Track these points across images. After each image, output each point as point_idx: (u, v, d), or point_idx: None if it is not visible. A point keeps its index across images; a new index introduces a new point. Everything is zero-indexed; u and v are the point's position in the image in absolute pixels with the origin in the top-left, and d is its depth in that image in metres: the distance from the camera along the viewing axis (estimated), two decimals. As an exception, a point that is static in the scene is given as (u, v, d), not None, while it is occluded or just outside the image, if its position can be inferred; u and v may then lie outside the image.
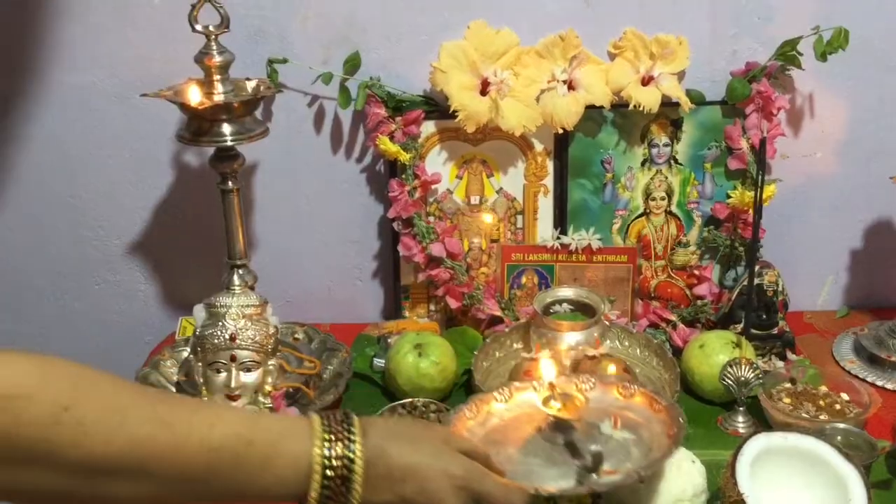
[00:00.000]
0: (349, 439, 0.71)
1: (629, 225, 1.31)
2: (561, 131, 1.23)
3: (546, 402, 0.91)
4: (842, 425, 1.00)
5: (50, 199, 1.33)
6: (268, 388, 1.09)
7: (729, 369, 1.12)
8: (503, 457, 0.88)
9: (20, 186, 1.33)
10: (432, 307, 1.33)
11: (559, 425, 0.90)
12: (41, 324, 1.42)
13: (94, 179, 1.32)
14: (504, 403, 0.98)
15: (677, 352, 1.22)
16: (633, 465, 0.85)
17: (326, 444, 0.70)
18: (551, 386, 0.92)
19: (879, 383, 1.20)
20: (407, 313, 1.33)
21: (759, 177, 1.15)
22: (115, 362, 1.37)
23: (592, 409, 0.93)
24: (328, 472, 0.69)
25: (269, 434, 0.68)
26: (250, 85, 1.11)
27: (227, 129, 1.06)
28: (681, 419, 0.89)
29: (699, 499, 0.95)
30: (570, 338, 1.18)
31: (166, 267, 1.38)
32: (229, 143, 1.06)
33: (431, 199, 1.28)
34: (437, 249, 1.25)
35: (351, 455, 0.70)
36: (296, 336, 1.27)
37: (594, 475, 0.84)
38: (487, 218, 1.30)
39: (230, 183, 1.10)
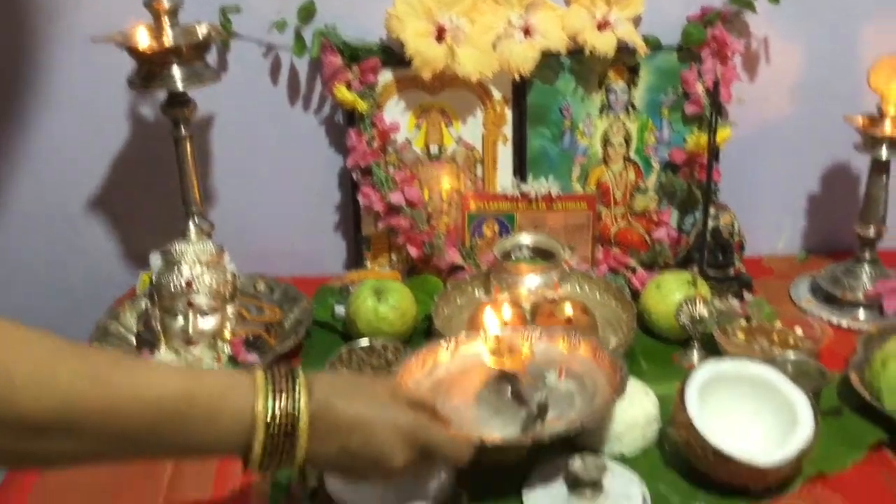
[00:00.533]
0: (293, 394, 0.70)
1: (588, 172, 1.32)
2: (518, 78, 1.24)
3: (492, 354, 0.93)
4: (792, 355, 1.02)
5: (4, 157, 1.32)
6: (227, 334, 1.10)
7: (684, 307, 1.13)
8: (449, 408, 0.89)
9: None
10: (394, 257, 1.34)
11: (505, 377, 0.92)
12: (2, 284, 1.41)
13: (47, 135, 1.31)
14: (450, 355, 1.00)
15: (637, 295, 1.23)
16: (576, 415, 0.88)
17: (270, 399, 0.69)
18: (497, 339, 0.94)
19: (835, 321, 1.22)
20: (369, 264, 1.34)
21: (713, 117, 1.16)
22: (78, 320, 1.37)
23: (538, 361, 0.96)
24: (271, 428, 0.69)
25: (212, 390, 0.68)
26: (201, 30, 1.11)
27: (177, 73, 1.06)
28: (622, 369, 0.92)
29: (651, 427, 0.97)
30: (530, 281, 1.20)
31: (126, 222, 1.37)
32: (180, 88, 1.06)
33: (390, 150, 1.28)
34: (396, 198, 1.25)
35: (295, 411, 0.69)
36: (257, 287, 1.27)
37: (539, 424, 0.87)
38: (445, 182, 1.31)
39: (183, 130, 1.10)
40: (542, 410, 0.88)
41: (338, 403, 0.72)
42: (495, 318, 1.01)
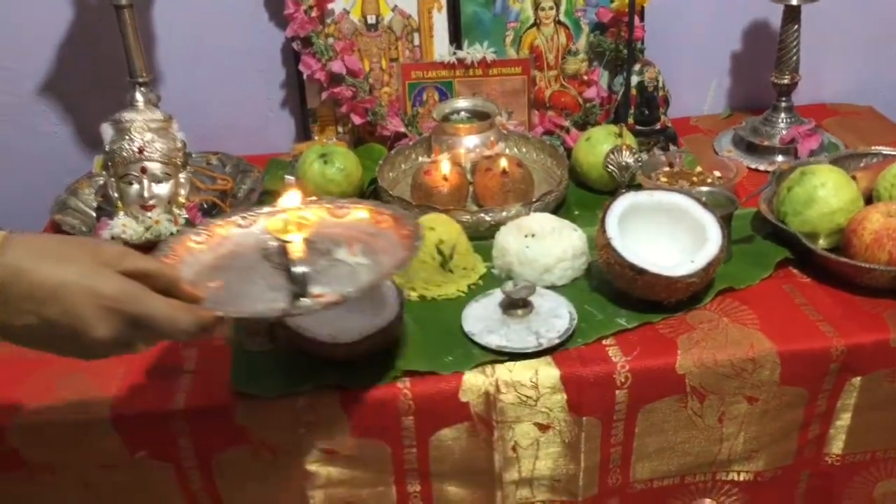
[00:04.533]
0: None
1: (521, 37, 1.37)
2: (448, -56, 1.28)
3: (274, 226, 0.85)
4: (706, 188, 1.10)
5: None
6: (181, 199, 1.16)
7: (611, 156, 1.21)
8: (224, 282, 0.83)
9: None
10: (340, 129, 1.39)
11: (283, 250, 0.84)
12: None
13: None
14: (244, 229, 0.91)
15: (571, 154, 1.31)
16: (353, 290, 0.80)
17: None
18: (283, 210, 0.88)
19: (753, 166, 1.31)
20: (316, 136, 1.39)
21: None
22: (35, 205, 1.42)
23: (337, 234, 0.89)
24: None
25: None
26: None
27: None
28: (417, 243, 0.84)
29: (579, 259, 1.06)
30: (469, 141, 1.26)
31: (77, 106, 1.40)
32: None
33: (329, 21, 1.32)
34: (337, 67, 1.30)
35: None
36: (210, 162, 1.32)
37: (304, 300, 0.80)
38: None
39: (123, -1, 1.13)
40: (301, 284, 0.81)
41: (34, 268, 0.65)
42: (296, 192, 0.92)
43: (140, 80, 1.16)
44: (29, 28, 1.34)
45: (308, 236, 0.84)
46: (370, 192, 1.27)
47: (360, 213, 0.91)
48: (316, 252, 0.85)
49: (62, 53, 1.36)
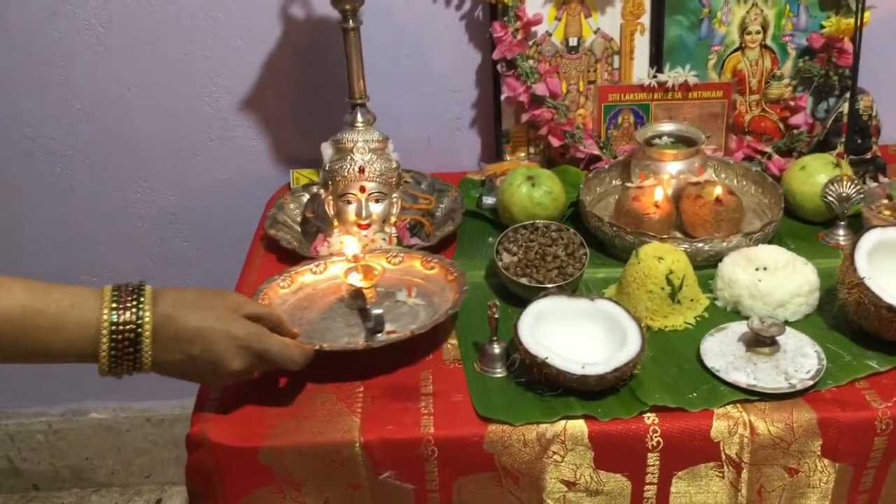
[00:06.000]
0: (138, 307, 0.80)
1: (724, 60, 1.34)
2: (657, -33, 1.25)
3: (348, 273, 1.02)
4: (947, 225, 1.05)
5: (161, 56, 1.38)
6: (393, 218, 1.16)
7: (830, 186, 1.17)
8: (305, 321, 1.01)
9: (134, 46, 1.38)
10: (532, 150, 1.38)
11: (357, 293, 1.02)
12: (155, 180, 1.49)
13: (203, 36, 1.36)
14: (317, 275, 1.08)
15: (774, 180, 1.27)
16: (416, 327, 0.97)
17: (114, 312, 0.79)
18: (354, 258, 1.03)
19: (970, 200, 1.25)
20: (508, 157, 1.39)
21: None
22: (229, 216, 1.45)
23: (395, 279, 1.07)
24: (115, 336, 0.78)
25: (60, 304, 0.78)
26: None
27: (346, -34, 1.10)
28: (463, 288, 1.02)
29: (813, 295, 1.02)
30: (673, 167, 1.24)
31: (274, 121, 1.43)
32: (351, -20, 1.10)
33: (531, 43, 1.32)
34: (540, 89, 1.30)
35: (138, 321, 0.79)
36: (405, 181, 1.33)
37: (379, 335, 0.97)
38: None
39: (351, 21, 1.14)
40: (378, 323, 0.97)
41: (180, 316, 0.82)
42: (356, 241, 1.08)
43: (359, 101, 1.17)
44: (235, 44, 1.37)
45: (376, 282, 1.01)
46: (569, 215, 1.26)
47: (412, 261, 1.09)
48: (381, 295, 1.03)
49: (266, 70, 1.39)
